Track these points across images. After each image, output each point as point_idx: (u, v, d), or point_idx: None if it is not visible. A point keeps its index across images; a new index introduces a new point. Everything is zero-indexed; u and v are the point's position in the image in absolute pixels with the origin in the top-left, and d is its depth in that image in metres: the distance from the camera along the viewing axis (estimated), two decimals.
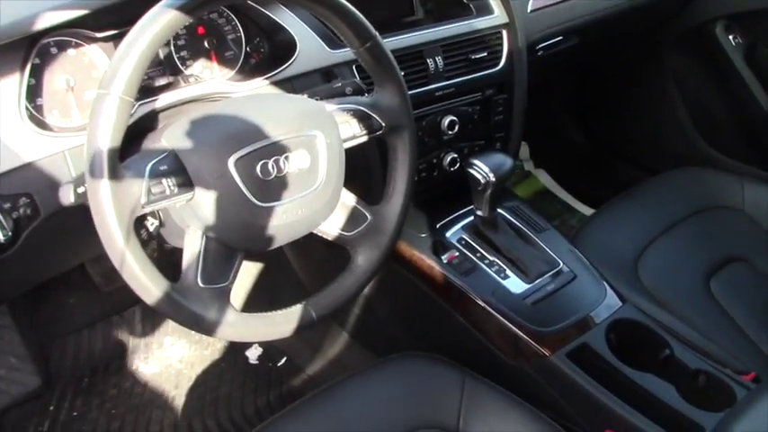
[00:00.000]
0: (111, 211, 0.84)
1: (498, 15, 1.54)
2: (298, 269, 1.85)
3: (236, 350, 1.91)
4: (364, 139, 1.10)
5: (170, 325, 1.92)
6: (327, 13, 1.02)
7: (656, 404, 1.19)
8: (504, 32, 1.55)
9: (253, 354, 1.90)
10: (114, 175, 0.84)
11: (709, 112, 2.23)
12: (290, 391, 1.81)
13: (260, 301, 1.95)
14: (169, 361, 1.88)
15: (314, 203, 1.00)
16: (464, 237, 1.47)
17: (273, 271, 1.93)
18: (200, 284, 0.94)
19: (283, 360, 1.89)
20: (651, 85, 2.32)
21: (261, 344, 1.90)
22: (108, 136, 0.83)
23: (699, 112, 2.25)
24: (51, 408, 1.73)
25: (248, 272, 2.00)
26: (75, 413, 1.73)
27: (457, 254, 1.43)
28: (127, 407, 1.76)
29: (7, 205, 0.99)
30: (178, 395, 1.80)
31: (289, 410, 1.17)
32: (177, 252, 1.02)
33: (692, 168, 1.88)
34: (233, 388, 1.81)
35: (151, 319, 1.89)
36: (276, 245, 1.02)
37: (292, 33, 1.25)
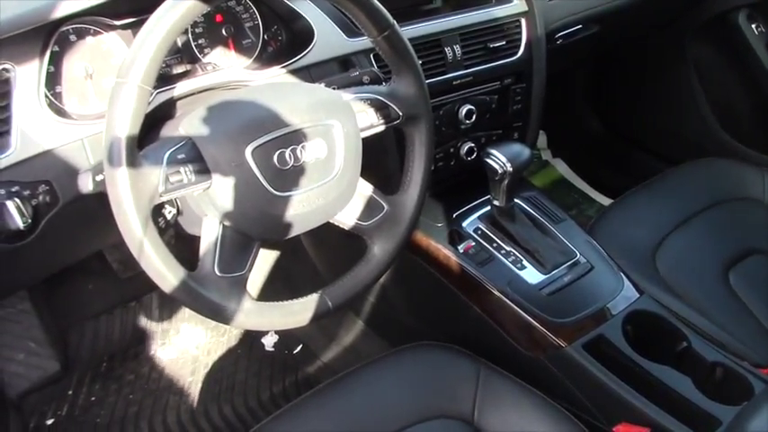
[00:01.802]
0: (130, 199, 0.84)
1: (517, 3, 1.53)
2: (314, 257, 1.86)
3: (252, 337, 1.92)
4: (381, 128, 1.10)
5: (187, 312, 1.93)
6: (345, 1, 1.02)
7: (672, 397, 1.18)
8: (523, 21, 1.54)
9: (269, 341, 1.91)
10: (133, 163, 0.84)
11: (730, 102, 2.20)
12: (305, 378, 1.82)
13: (275, 288, 1.96)
14: (186, 347, 1.89)
15: (331, 193, 1.00)
16: (480, 227, 1.47)
17: (289, 259, 1.94)
18: (218, 273, 0.95)
19: (299, 347, 1.90)
20: (671, 74, 2.30)
21: (277, 331, 1.91)
22: (126, 124, 0.83)
23: (719, 102, 2.23)
24: (70, 392, 1.75)
25: (264, 260, 2.00)
26: (93, 398, 1.75)
27: (473, 244, 1.43)
28: (144, 392, 1.78)
29: (27, 192, 1.00)
30: (195, 381, 1.81)
31: (305, 398, 1.18)
32: (195, 240, 1.02)
33: (712, 159, 1.87)
34: (249, 375, 1.82)
35: (169, 305, 1.91)
36: (293, 234, 1.02)
37: (310, 21, 1.25)
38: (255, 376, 1.82)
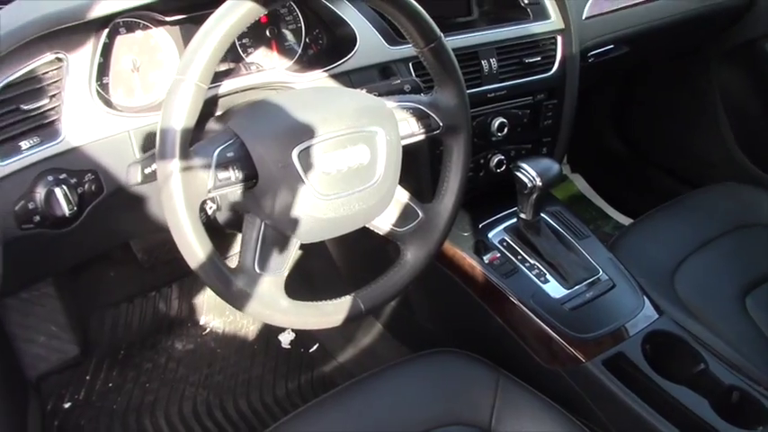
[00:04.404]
0: (180, 194, 0.86)
1: (554, 21, 1.55)
2: (336, 259, 1.88)
3: (269, 334, 1.94)
4: (422, 137, 1.11)
5: (205, 305, 1.95)
6: (395, 11, 1.04)
7: (689, 417, 1.20)
8: (559, 38, 1.56)
9: (285, 338, 1.93)
10: (185, 158, 0.87)
11: (753, 129, 2.22)
12: (320, 377, 1.84)
13: (294, 287, 1.98)
14: (203, 340, 1.91)
15: (370, 198, 1.02)
16: (506, 238, 1.49)
17: (311, 259, 1.96)
18: (257, 271, 0.97)
19: (315, 346, 1.92)
20: (696, 98, 2.31)
21: (294, 329, 1.93)
22: (182, 120, 0.86)
23: (742, 128, 2.24)
24: (87, 377, 1.78)
25: None
26: (110, 384, 1.78)
27: (498, 255, 1.45)
28: (161, 381, 1.80)
29: (73, 180, 1.02)
30: (211, 373, 1.83)
31: (325, 398, 1.19)
32: (226, 235, 1.04)
33: (732, 184, 1.89)
34: (265, 371, 1.84)
35: (188, 297, 1.93)
36: (331, 236, 1.04)
37: (354, 28, 1.27)
38: (271, 372, 1.84)
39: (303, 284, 1.99)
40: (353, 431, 1.15)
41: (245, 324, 1.95)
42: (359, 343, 1.87)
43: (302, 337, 1.93)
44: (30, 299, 1.65)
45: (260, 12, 0.90)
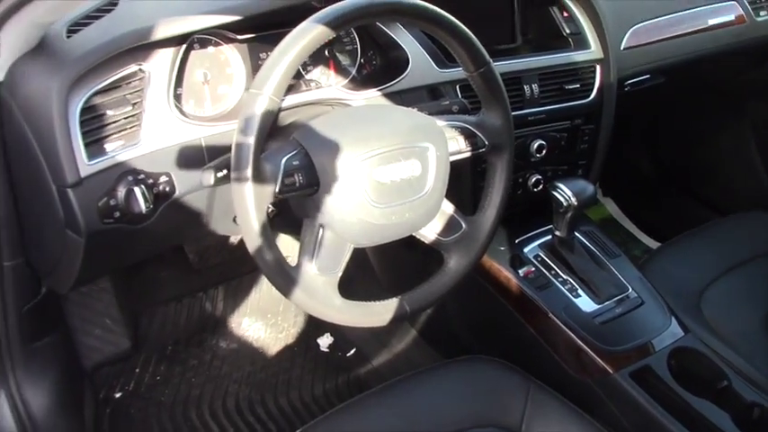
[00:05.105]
0: (252, 196, 0.95)
1: (594, 50, 1.63)
2: (375, 264, 1.96)
3: (308, 337, 2.02)
4: (468, 154, 1.19)
5: (249, 307, 2.03)
6: (449, 37, 1.11)
7: (711, 430, 1.25)
8: (598, 67, 1.64)
9: (324, 342, 2.01)
10: (257, 165, 0.95)
11: None
12: (356, 379, 1.90)
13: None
14: (246, 340, 1.99)
15: (419, 209, 1.09)
16: (541, 254, 1.56)
17: (351, 262, 2.03)
18: (316, 271, 1.05)
19: (353, 351, 1.99)
20: (727, 128, 2.37)
21: (332, 333, 2.01)
22: (257, 130, 0.94)
23: None
24: (137, 370, 1.86)
25: None
26: (158, 377, 1.86)
27: (533, 269, 1.52)
28: (206, 377, 1.88)
29: (150, 181, 1.12)
30: (253, 372, 1.91)
31: (362, 397, 1.25)
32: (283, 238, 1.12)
33: (761, 213, 1.94)
34: (304, 371, 1.92)
35: (233, 299, 2.01)
36: (382, 241, 1.11)
37: (406, 51, 1.36)
38: (310, 373, 1.92)
39: (342, 288, 2.08)
40: (390, 429, 1.21)
41: (285, 327, 2.03)
42: (394, 348, 1.94)
43: (340, 341, 2.01)
44: (88, 293, 1.75)
45: (330, 34, 0.99)
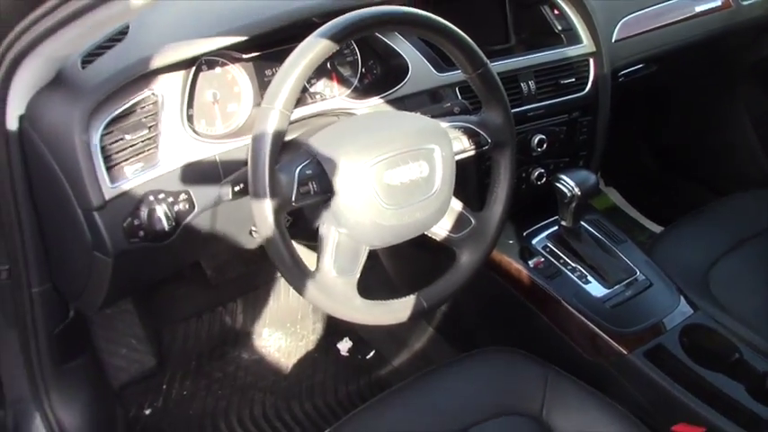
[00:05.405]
0: (270, 207, 0.99)
1: (586, 45, 1.68)
2: (387, 266, 1.99)
3: (327, 342, 2.06)
4: (472, 153, 1.23)
5: (268, 317, 2.07)
6: (447, 42, 1.16)
7: (726, 401, 1.29)
8: (591, 60, 1.68)
9: (343, 346, 2.05)
10: (273, 176, 1.00)
11: None
12: (378, 380, 1.94)
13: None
14: (268, 350, 2.03)
15: (430, 208, 1.14)
16: (549, 244, 1.60)
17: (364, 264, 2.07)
18: (335, 274, 1.09)
19: (372, 353, 2.03)
20: (722, 110, 2.41)
21: (351, 337, 2.05)
22: (271, 143, 0.99)
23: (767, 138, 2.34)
24: (164, 386, 1.90)
25: None
26: (185, 392, 1.90)
27: (542, 259, 1.56)
28: (232, 389, 1.92)
29: (170, 199, 1.16)
30: (277, 380, 1.95)
31: (385, 395, 1.29)
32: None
33: (760, 191, 1.99)
34: (326, 377, 1.96)
35: (252, 311, 2.05)
36: (396, 242, 1.16)
37: (406, 58, 1.40)
38: (332, 378, 1.96)
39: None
40: (415, 422, 1.24)
41: (305, 334, 2.07)
42: (412, 347, 1.97)
43: (358, 344, 2.05)
44: (112, 315, 1.79)
45: (334, 48, 1.03)
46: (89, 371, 1.61)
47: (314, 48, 1.02)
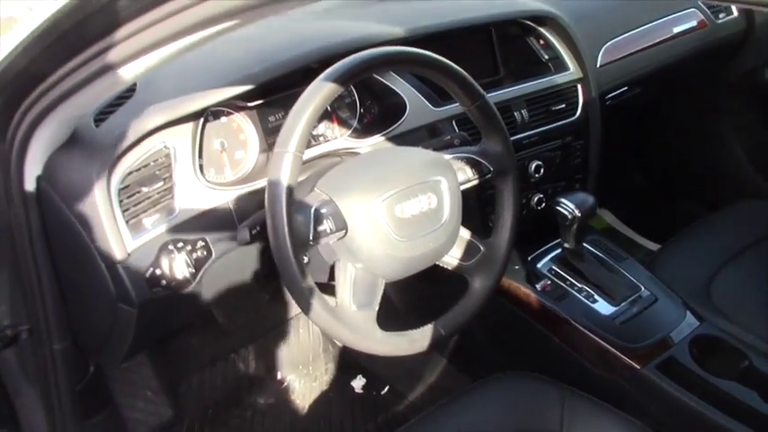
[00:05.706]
0: (289, 246, 1.03)
1: (573, 71, 1.74)
2: (398, 302, 2.01)
3: (341, 381, 2.06)
4: (476, 182, 1.28)
5: (280, 360, 2.08)
6: (445, 78, 1.21)
7: (741, 408, 1.31)
8: (579, 86, 1.75)
9: (357, 384, 2.05)
10: (290, 217, 1.03)
11: (764, 149, 2.37)
12: (394, 415, 1.95)
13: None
14: (283, 393, 2.04)
15: (440, 238, 1.18)
16: (554, 267, 1.64)
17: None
18: (355, 309, 1.13)
19: (386, 389, 2.04)
20: (708, 125, 2.47)
21: (364, 374, 2.06)
22: (287, 184, 1.03)
23: (754, 150, 2.39)
24: None
25: None
26: None
27: (549, 282, 1.60)
28: None
29: (189, 247, 1.20)
30: (294, 422, 1.96)
31: (403, 430, 1.29)
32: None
33: (751, 201, 2.04)
34: (343, 415, 1.97)
35: (264, 356, 2.06)
36: (409, 273, 1.20)
37: (402, 96, 1.45)
38: (349, 416, 1.96)
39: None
40: None
41: (318, 375, 2.08)
42: (426, 379, 1.99)
43: (372, 380, 2.05)
44: (128, 368, 1.80)
45: (339, 90, 1.08)
46: (111, 425, 1.62)
47: (321, 91, 1.07)
